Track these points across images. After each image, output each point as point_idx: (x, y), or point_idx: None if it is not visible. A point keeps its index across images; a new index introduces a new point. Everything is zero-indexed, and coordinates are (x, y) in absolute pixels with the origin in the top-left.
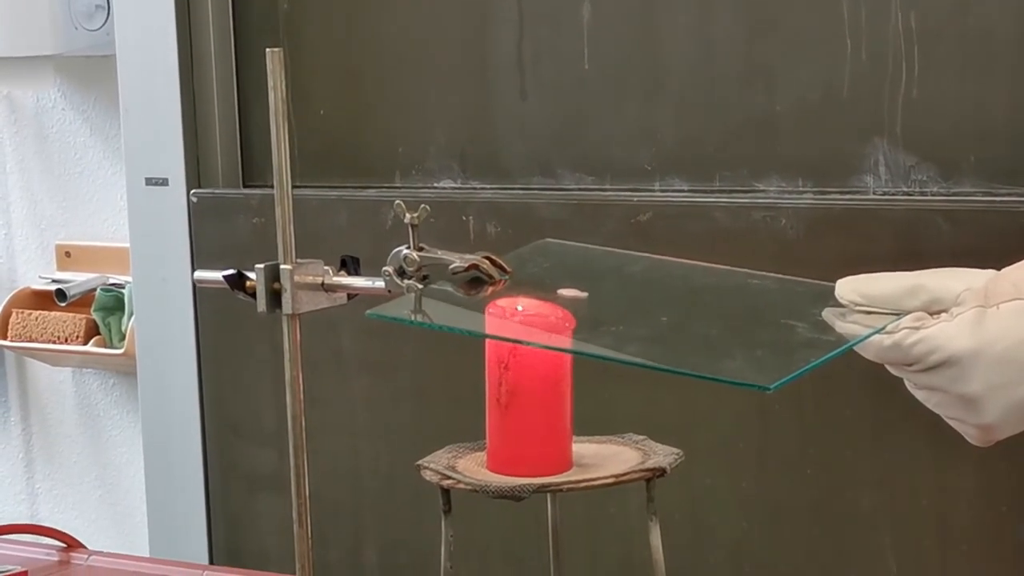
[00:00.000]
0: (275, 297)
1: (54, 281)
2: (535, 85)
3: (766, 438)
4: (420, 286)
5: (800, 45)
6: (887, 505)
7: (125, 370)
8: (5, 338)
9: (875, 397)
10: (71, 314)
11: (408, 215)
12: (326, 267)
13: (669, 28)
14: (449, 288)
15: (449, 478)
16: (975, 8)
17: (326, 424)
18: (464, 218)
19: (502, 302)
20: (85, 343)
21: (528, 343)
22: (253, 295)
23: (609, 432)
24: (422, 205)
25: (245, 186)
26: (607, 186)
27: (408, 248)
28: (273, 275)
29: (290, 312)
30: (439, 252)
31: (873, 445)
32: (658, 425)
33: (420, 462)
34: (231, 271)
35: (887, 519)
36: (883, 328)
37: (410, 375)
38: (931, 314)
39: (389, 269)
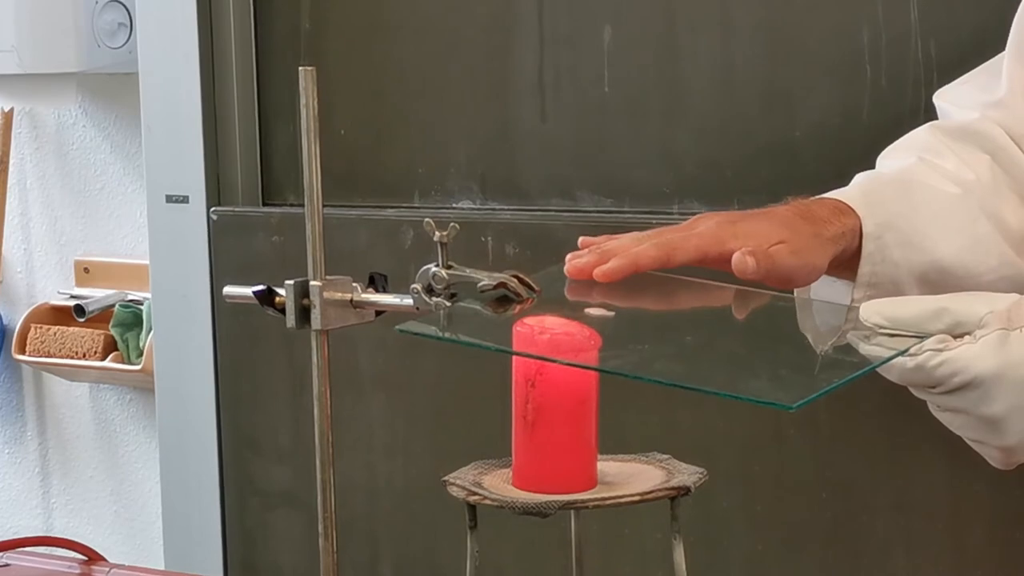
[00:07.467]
0: (304, 313)
1: (73, 297)
2: (555, 107)
3: (782, 461)
4: (448, 304)
5: (820, 71)
6: (903, 528)
7: (142, 386)
8: (23, 353)
9: (891, 420)
10: (89, 330)
11: (437, 233)
12: (355, 284)
13: (689, 52)
14: (477, 306)
15: (476, 494)
16: (993, 36)
17: (342, 441)
18: (483, 239)
19: (529, 320)
20: (103, 359)
21: (555, 361)
22: (282, 311)
23: (625, 452)
24: (452, 224)
25: (265, 204)
26: (626, 208)
27: (437, 266)
28: (303, 291)
29: (319, 328)
30: (468, 270)
31: (889, 468)
32: (675, 446)
33: (446, 478)
34: (261, 287)
35: (902, 542)
36: (906, 350)
37: (426, 393)
38: (954, 337)
39: (418, 286)
